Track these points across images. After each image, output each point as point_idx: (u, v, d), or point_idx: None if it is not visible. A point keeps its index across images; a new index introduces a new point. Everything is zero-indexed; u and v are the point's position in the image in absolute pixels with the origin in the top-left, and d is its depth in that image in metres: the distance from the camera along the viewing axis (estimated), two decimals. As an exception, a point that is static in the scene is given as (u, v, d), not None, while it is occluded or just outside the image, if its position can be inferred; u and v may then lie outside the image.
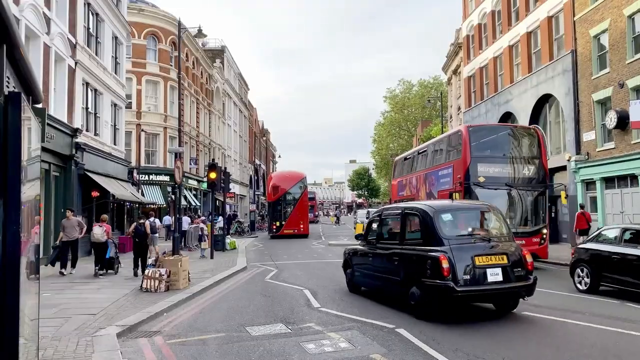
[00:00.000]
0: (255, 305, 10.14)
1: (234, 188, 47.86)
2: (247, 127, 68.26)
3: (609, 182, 21.23)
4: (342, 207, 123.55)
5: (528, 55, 27.80)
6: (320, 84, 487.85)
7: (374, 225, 11.05)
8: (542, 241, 16.05)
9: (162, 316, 9.20)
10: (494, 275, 8.13)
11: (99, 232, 14.80)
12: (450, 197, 14.48)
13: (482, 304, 9.26)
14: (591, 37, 22.10)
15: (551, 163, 26.02)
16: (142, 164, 32.52)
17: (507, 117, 30.68)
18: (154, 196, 32.37)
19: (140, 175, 31.29)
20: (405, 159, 25.41)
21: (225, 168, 25.52)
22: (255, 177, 72.21)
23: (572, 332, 7.66)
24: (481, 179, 15.74)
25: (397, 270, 9.23)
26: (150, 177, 33.35)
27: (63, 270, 14.51)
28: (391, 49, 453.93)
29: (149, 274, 11.75)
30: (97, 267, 14.65)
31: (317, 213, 60.35)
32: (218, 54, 52.40)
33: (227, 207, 40.38)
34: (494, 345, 6.86)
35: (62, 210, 19.09)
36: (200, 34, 22.79)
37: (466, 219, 9.53)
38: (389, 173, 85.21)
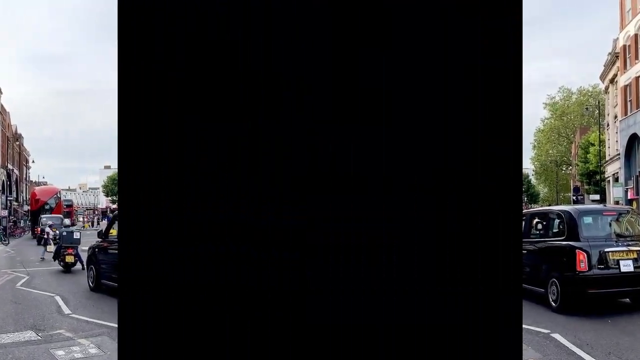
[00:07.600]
0: (5, 313, 9.89)
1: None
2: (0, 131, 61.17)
3: None
4: (96, 213, 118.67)
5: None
6: (80, 90, 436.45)
7: None
8: None
9: None
10: None
11: None
12: None
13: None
14: None
15: None
16: None
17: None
18: None
19: None
20: None
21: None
22: (8, 182, 65.24)
23: None
24: None
25: None
26: None
27: None
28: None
29: None
30: None
31: (73, 219, 60.26)
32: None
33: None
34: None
35: None
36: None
37: None
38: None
